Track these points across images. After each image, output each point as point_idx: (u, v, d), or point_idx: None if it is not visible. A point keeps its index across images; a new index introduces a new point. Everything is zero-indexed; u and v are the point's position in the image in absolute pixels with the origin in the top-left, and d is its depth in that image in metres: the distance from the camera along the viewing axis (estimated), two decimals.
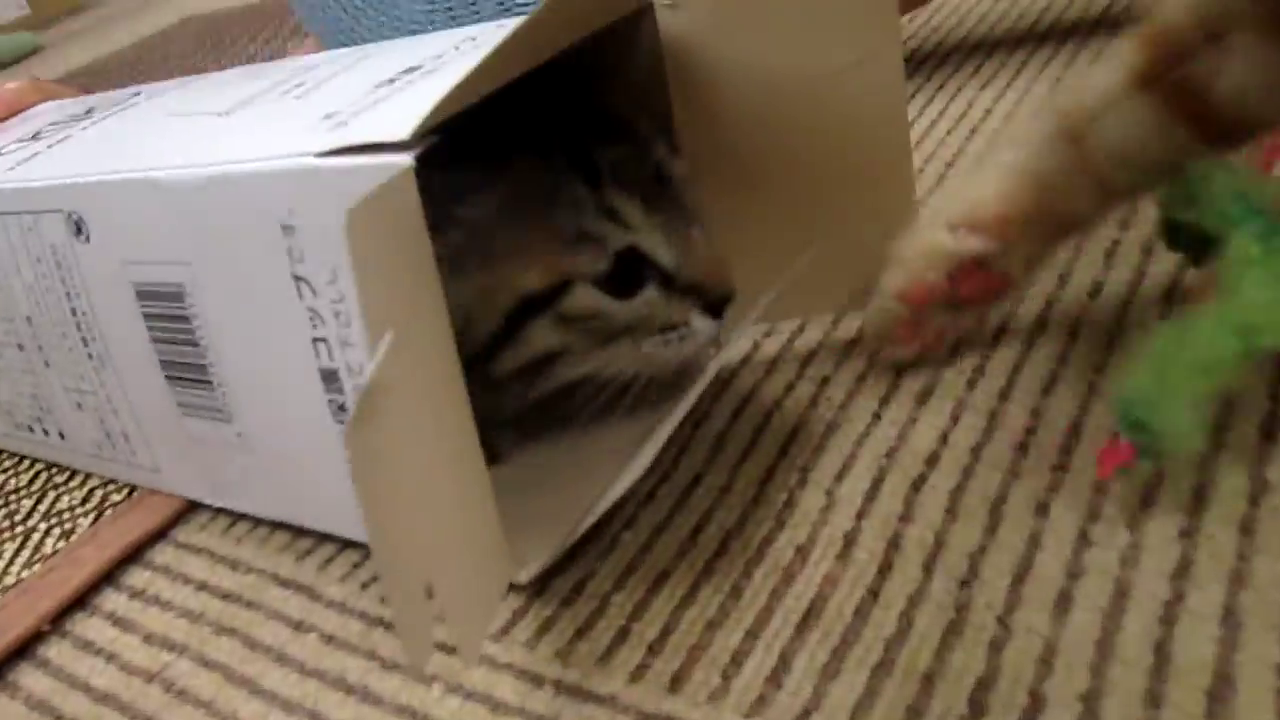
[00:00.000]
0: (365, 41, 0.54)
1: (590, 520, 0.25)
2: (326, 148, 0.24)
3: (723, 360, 0.32)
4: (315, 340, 0.26)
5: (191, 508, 0.34)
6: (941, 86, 0.47)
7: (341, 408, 0.27)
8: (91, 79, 1.20)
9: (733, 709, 0.22)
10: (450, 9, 0.51)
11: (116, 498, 0.36)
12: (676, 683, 0.23)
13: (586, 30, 0.28)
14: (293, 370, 0.27)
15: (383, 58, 0.31)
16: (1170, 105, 0.25)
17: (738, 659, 0.23)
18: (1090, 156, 0.26)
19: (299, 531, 0.31)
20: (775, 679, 0.22)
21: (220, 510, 0.33)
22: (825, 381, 0.30)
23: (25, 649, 0.30)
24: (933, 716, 0.20)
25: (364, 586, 0.29)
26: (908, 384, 0.29)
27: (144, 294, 0.30)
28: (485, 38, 0.30)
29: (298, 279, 0.26)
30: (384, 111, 0.25)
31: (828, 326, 0.33)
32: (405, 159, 0.22)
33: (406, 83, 0.26)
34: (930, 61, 0.50)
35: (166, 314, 0.30)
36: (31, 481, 0.39)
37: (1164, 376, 0.22)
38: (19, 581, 0.33)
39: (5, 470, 0.40)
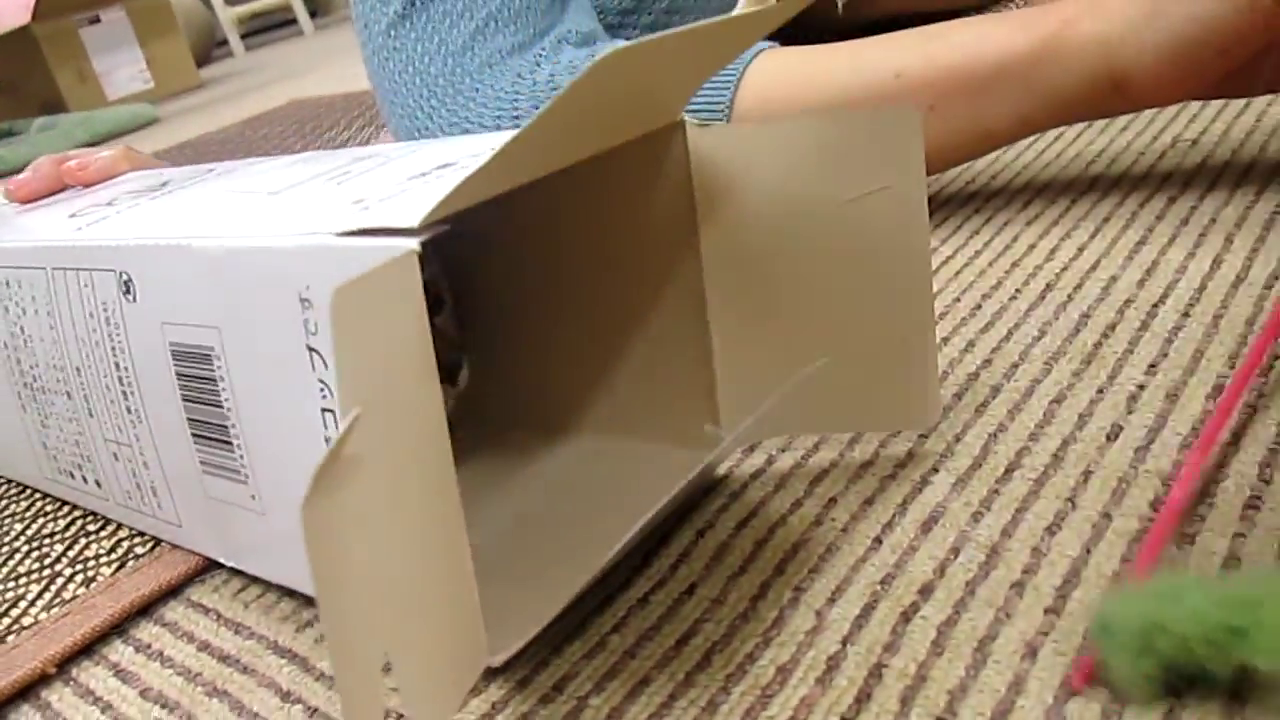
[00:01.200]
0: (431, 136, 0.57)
1: (564, 603, 0.25)
2: (345, 228, 0.25)
3: (715, 463, 0.32)
4: (324, 410, 0.27)
5: (209, 566, 0.35)
6: (989, 219, 0.47)
7: None
8: (195, 151, 1.27)
9: None
10: (517, 115, 0.53)
11: (140, 550, 0.37)
12: None
13: (616, 140, 0.29)
14: (304, 437, 0.28)
15: (427, 151, 0.32)
16: None
17: None
18: None
19: (305, 600, 0.32)
20: None
21: (235, 571, 0.34)
22: (832, 502, 0.30)
23: (28, 690, 0.31)
24: None
25: None
26: (913, 512, 0.29)
27: (178, 354, 0.32)
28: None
29: (311, 350, 0.27)
30: (405, 200, 0.26)
31: (843, 447, 0.33)
32: (410, 243, 0.23)
33: (436, 176, 0.28)
34: (980, 196, 0.51)
35: (196, 374, 0.31)
36: (67, 528, 0.40)
37: (1149, 622, 0.21)
38: (36, 623, 0.34)
39: (45, 515, 0.42)
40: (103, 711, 0.30)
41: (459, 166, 0.29)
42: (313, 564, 0.18)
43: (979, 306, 0.39)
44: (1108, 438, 0.30)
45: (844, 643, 0.25)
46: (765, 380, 0.32)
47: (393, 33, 0.58)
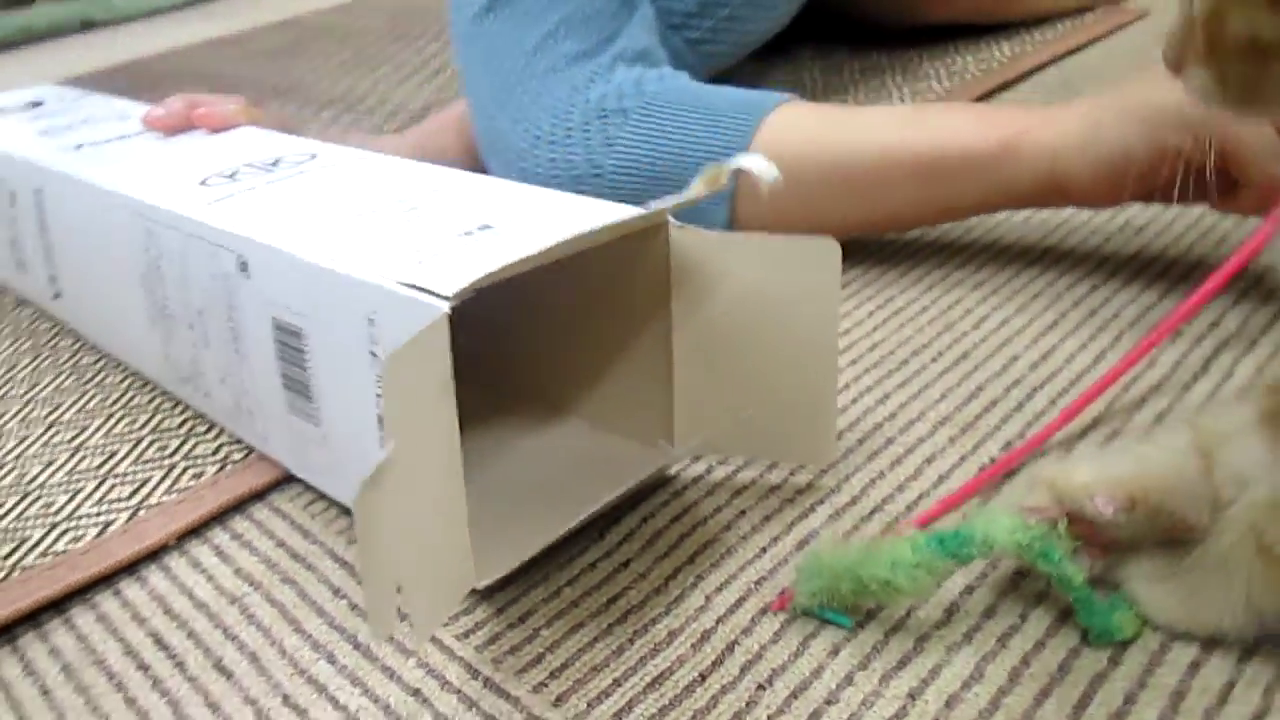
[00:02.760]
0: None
1: (531, 553, 0.36)
2: (405, 280, 0.35)
3: (664, 468, 0.43)
4: (378, 395, 0.38)
5: (287, 477, 0.47)
6: (944, 278, 0.56)
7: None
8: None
9: None
10: (569, 128, 0.61)
11: (236, 456, 0.49)
12: (559, 700, 0.34)
13: (613, 235, 0.39)
14: (362, 405, 0.39)
15: (476, 198, 0.42)
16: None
17: (608, 692, 0.34)
18: (1215, 473, 0.32)
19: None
20: (630, 708, 0.33)
21: (306, 486, 0.46)
22: (742, 514, 0.41)
23: (154, 556, 0.44)
24: None
25: None
26: (795, 532, 0.40)
27: (277, 325, 0.42)
28: (547, 206, 0.41)
29: (371, 353, 0.38)
30: (449, 264, 0.36)
31: (764, 469, 0.43)
32: (444, 306, 0.33)
33: (477, 239, 0.38)
34: (943, 254, 0.59)
35: (289, 343, 0.42)
36: (180, 425, 0.52)
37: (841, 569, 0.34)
38: (160, 504, 0.46)
39: (163, 410, 0.54)
40: (207, 580, 0.42)
41: (496, 231, 0.39)
42: (359, 526, 0.29)
43: (905, 362, 0.49)
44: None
45: (717, 622, 0.36)
46: (709, 412, 0.42)
47: (478, 22, 0.66)
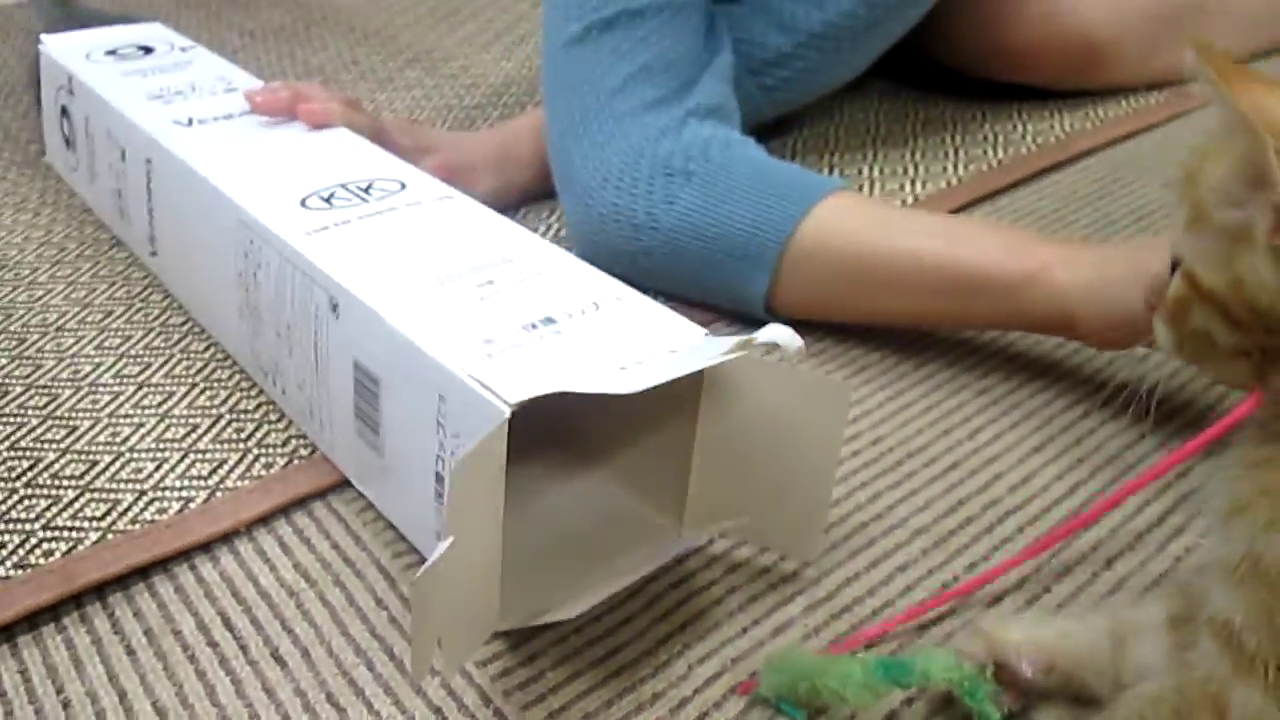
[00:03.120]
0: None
1: (556, 618, 0.43)
2: (476, 375, 0.41)
3: (684, 549, 0.49)
4: (438, 456, 0.44)
5: (346, 483, 0.53)
6: (956, 385, 0.62)
7: (439, 495, 0.45)
8: None
9: None
10: (635, 179, 0.65)
11: (303, 451, 0.55)
12: None
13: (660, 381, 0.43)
14: (423, 456, 0.45)
15: (543, 283, 0.48)
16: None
17: None
18: (1122, 659, 0.38)
19: (400, 536, 0.50)
20: None
21: (361, 496, 0.53)
22: (732, 590, 0.47)
23: (225, 537, 0.51)
24: None
25: None
26: (774, 618, 0.46)
27: (358, 367, 0.49)
28: (611, 309, 0.47)
29: (439, 422, 0.44)
30: (515, 365, 0.42)
31: (758, 552, 0.49)
32: (505, 412, 0.39)
33: (542, 336, 0.44)
34: (965, 359, 0.64)
35: (366, 385, 0.48)
36: (255, 409, 0.59)
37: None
38: (235, 488, 0.53)
39: (241, 390, 0.60)
40: (270, 571, 0.49)
41: (561, 333, 0.44)
42: (414, 601, 0.36)
43: (900, 463, 0.55)
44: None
45: (694, 693, 0.43)
46: (718, 497, 0.48)
47: (568, 50, 0.71)
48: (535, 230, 0.72)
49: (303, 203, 0.57)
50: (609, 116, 0.68)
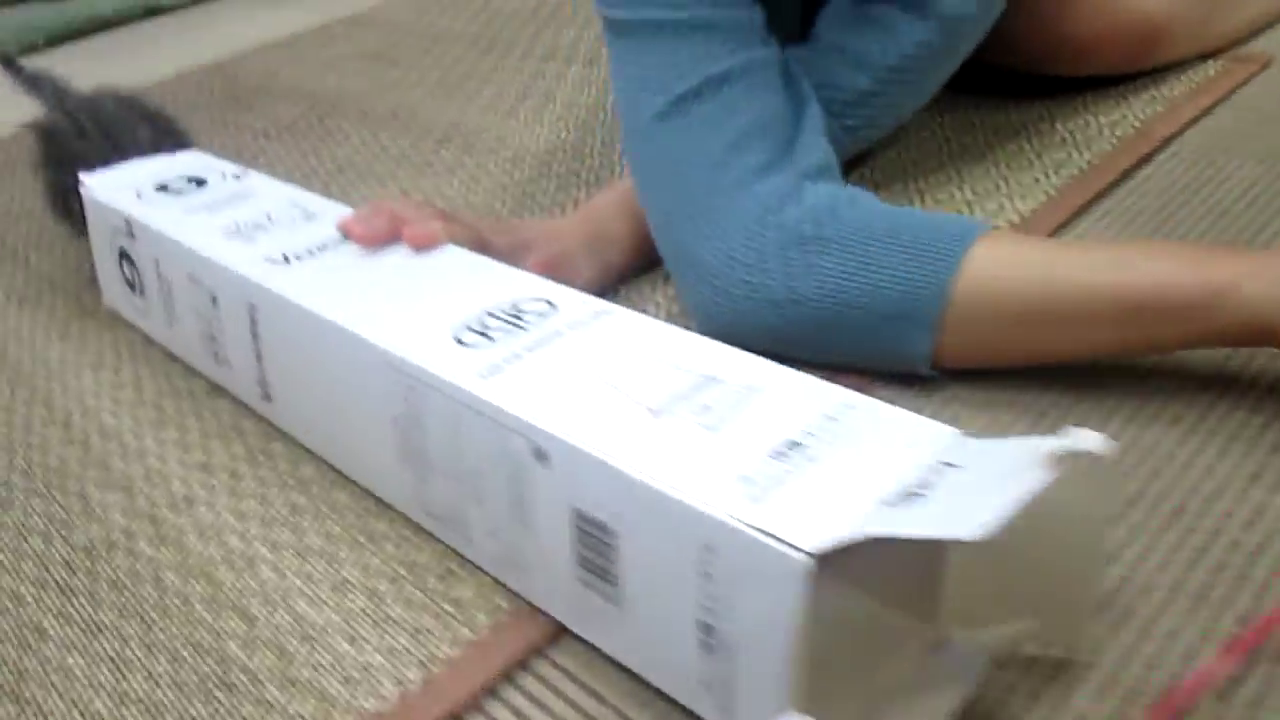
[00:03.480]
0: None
1: None
2: (746, 519, 0.39)
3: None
4: (703, 606, 0.42)
5: (561, 631, 0.50)
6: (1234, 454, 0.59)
7: (703, 645, 0.42)
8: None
9: None
10: (763, 248, 0.63)
11: (503, 603, 0.52)
12: None
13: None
14: (681, 606, 0.42)
15: (767, 407, 0.45)
16: None
17: None
18: None
19: (639, 682, 0.47)
20: None
21: (582, 644, 0.50)
22: (1009, 689, 0.45)
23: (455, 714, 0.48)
24: None
25: None
26: (1067, 713, 0.44)
27: (581, 516, 0.46)
28: (845, 419, 0.44)
29: (706, 574, 0.41)
30: (788, 503, 0.39)
31: None
32: (810, 564, 0.37)
33: (797, 465, 0.41)
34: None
35: (594, 534, 0.45)
36: (432, 560, 0.56)
37: None
38: (446, 657, 0.50)
39: (408, 542, 0.57)
40: None
41: (813, 457, 0.42)
42: None
43: (1123, 514, 0.52)
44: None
45: None
46: (979, 602, 0.45)
47: (659, 124, 0.68)
48: (645, 311, 0.70)
49: (457, 340, 0.53)
50: (718, 191, 0.65)
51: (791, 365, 0.50)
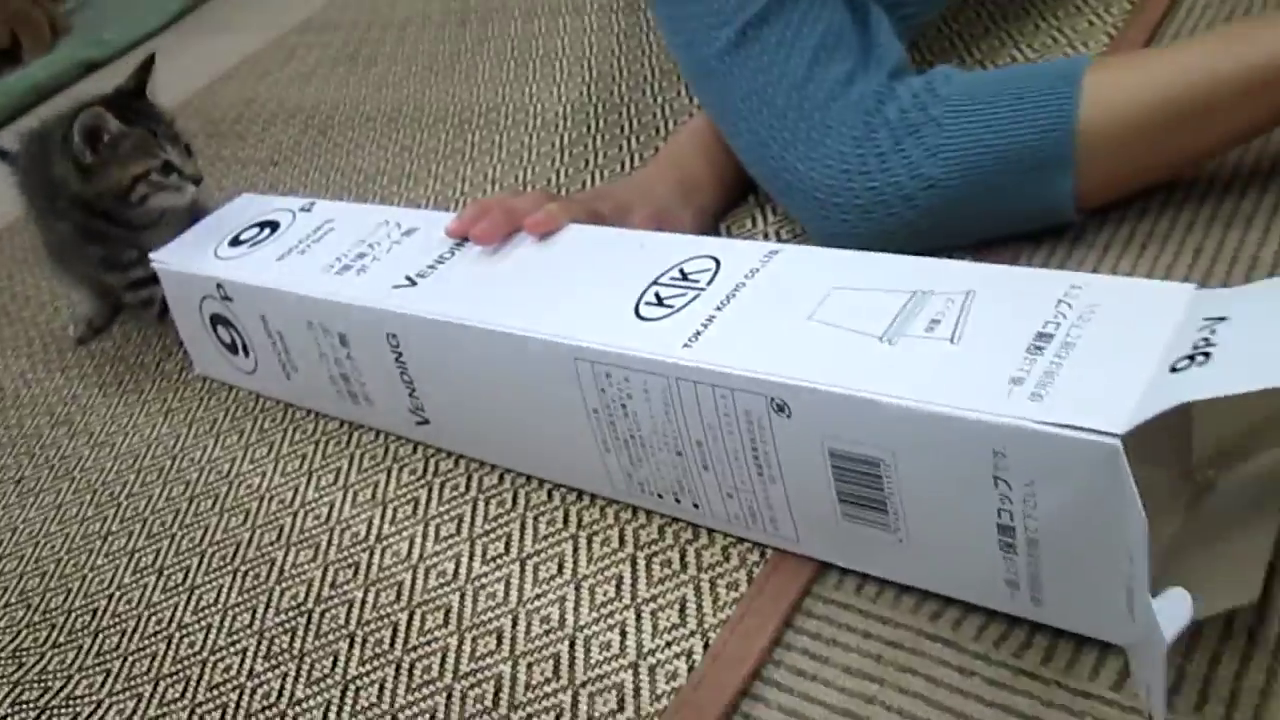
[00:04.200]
0: None
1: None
2: (1038, 418, 0.39)
3: None
4: (1000, 510, 0.42)
5: (821, 569, 0.51)
6: None
7: (1004, 546, 0.43)
8: None
9: None
10: (880, 151, 0.62)
11: (752, 556, 0.53)
12: None
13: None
14: (977, 515, 0.43)
15: (996, 306, 0.45)
16: None
17: None
18: None
19: (924, 596, 0.48)
20: None
21: (844, 574, 0.51)
22: None
23: (755, 674, 0.48)
24: None
25: (995, 644, 0.46)
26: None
27: (836, 455, 0.46)
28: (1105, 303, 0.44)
29: (999, 479, 0.42)
30: (1069, 391, 0.40)
31: None
32: (1115, 444, 0.37)
33: (1058, 355, 0.42)
34: None
35: (852, 469, 0.46)
36: (661, 533, 0.56)
37: None
38: (722, 620, 0.50)
39: (630, 523, 0.57)
40: (825, 686, 0.46)
41: (1064, 340, 0.42)
42: None
43: None
44: None
45: None
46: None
47: (726, 60, 0.67)
48: (757, 240, 0.70)
49: (640, 316, 0.53)
50: (811, 108, 0.64)
51: (937, 255, 0.50)
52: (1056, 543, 0.42)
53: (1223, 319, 0.41)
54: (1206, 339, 0.40)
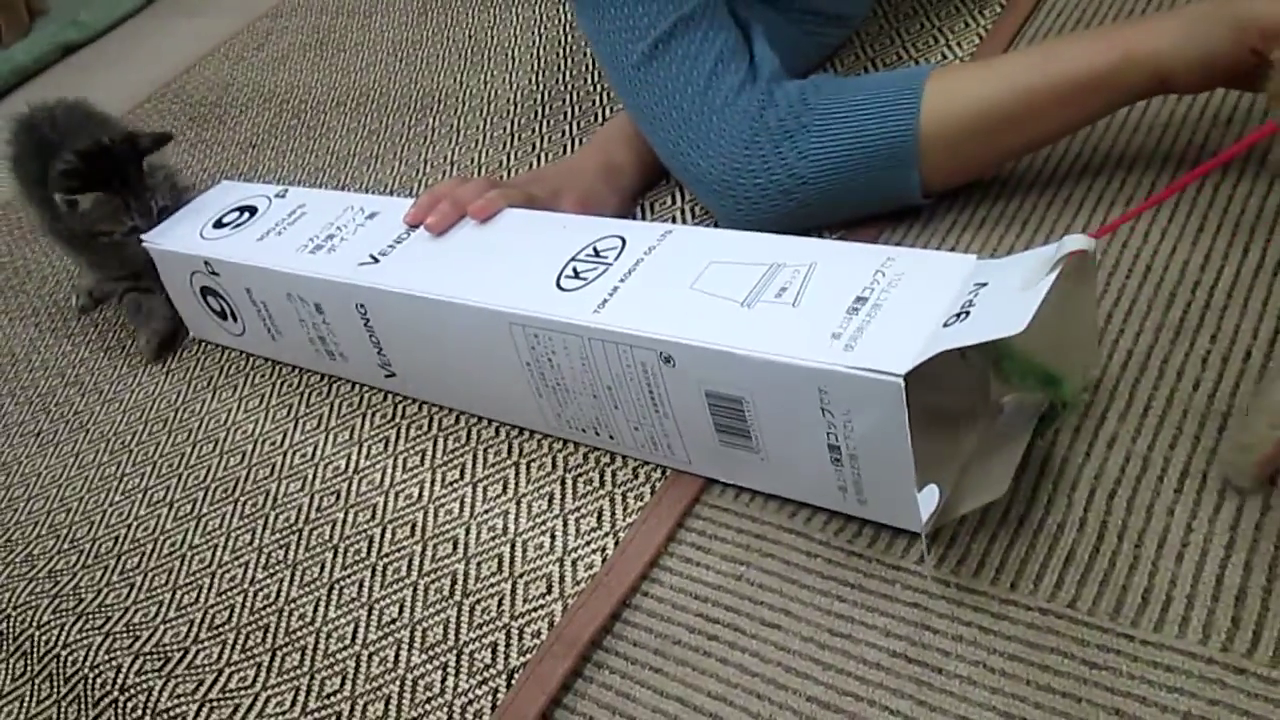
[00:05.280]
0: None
1: (986, 501, 0.55)
2: (848, 364, 0.53)
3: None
4: (828, 433, 0.56)
5: (709, 485, 0.65)
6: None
7: (835, 460, 0.57)
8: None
9: None
10: (763, 153, 0.75)
11: (655, 475, 0.67)
12: None
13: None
14: (812, 438, 0.56)
15: (829, 275, 0.59)
16: None
17: None
18: None
19: (785, 502, 0.62)
20: None
21: (726, 488, 0.64)
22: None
23: (654, 560, 0.62)
24: None
25: (835, 534, 0.59)
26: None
27: (711, 395, 0.59)
28: (903, 271, 0.57)
29: (825, 410, 0.55)
30: (875, 344, 0.53)
31: None
32: (899, 382, 0.51)
33: (870, 315, 0.55)
34: None
35: (726, 407, 0.59)
36: (586, 460, 0.70)
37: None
38: (630, 523, 0.64)
39: (560, 452, 0.71)
40: (708, 570, 0.60)
41: (875, 301, 0.56)
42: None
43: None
44: None
45: None
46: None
47: (642, 70, 0.79)
48: (673, 219, 0.82)
49: (559, 287, 0.66)
50: (710, 113, 0.77)
51: (815, 235, 0.63)
52: (870, 456, 0.56)
53: (984, 284, 0.54)
54: (970, 301, 0.53)
